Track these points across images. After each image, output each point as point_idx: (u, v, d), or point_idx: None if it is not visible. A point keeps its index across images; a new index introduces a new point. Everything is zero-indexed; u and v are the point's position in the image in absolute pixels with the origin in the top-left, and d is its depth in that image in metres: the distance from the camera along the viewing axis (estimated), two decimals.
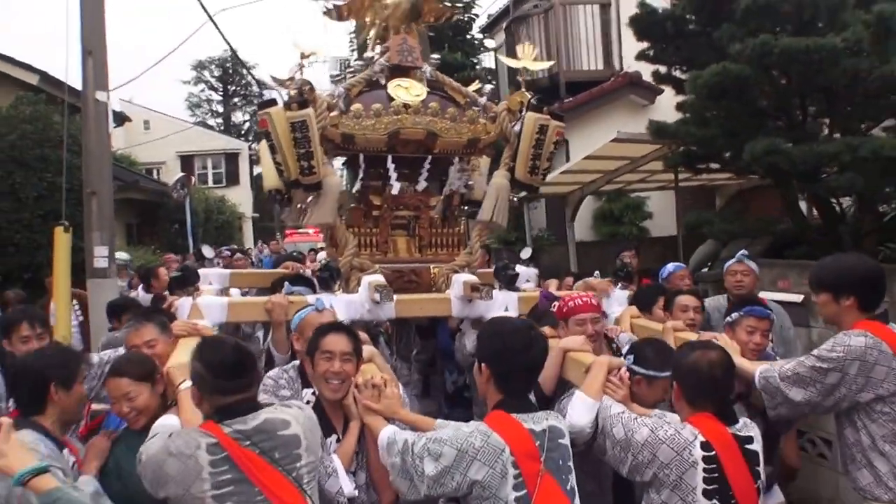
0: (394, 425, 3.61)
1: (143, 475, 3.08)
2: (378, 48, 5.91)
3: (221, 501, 2.93)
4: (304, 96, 5.15)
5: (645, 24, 9.91)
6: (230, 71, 53.46)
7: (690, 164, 10.24)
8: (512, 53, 13.19)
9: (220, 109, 57.34)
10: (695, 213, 11.49)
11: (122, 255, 10.60)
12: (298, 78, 5.26)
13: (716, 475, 3.27)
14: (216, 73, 55.84)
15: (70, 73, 10.62)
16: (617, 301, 5.80)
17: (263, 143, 5.51)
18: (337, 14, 5.91)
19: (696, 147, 9.58)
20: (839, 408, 3.91)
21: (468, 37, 20.51)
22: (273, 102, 5.21)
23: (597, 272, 6.95)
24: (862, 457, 3.84)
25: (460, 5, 19.84)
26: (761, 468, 3.41)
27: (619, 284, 6.60)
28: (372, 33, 6.03)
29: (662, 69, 10.67)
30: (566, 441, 3.35)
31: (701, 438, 3.30)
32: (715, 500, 3.27)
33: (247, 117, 56.73)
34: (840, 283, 3.97)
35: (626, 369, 3.84)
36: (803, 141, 8.46)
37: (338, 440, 3.83)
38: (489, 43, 20.84)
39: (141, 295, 8.35)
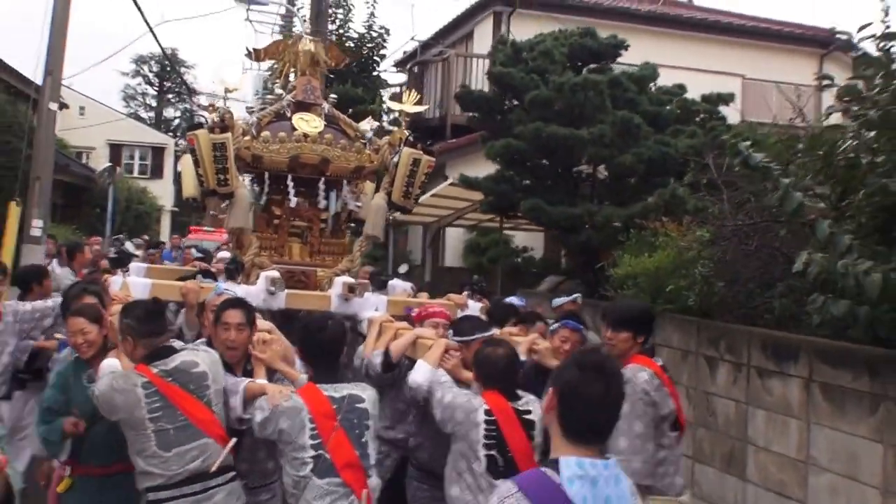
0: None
1: (100, 406, 4.19)
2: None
3: (155, 421, 4.09)
4: (224, 122, 6.23)
5: (465, 100, 12.94)
6: (168, 69, 53.38)
7: (495, 212, 12.97)
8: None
9: (154, 104, 57.56)
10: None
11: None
12: (221, 107, 6.33)
13: (493, 433, 4.32)
14: (154, 69, 56.06)
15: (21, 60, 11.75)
16: (472, 312, 6.50)
17: (187, 157, 6.55)
18: (255, 56, 7.00)
19: (495, 199, 12.08)
20: None
21: (374, 74, 21.27)
22: (200, 126, 6.27)
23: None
24: None
25: (370, 45, 20.82)
26: (536, 432, 4.48)
27: (475, 298, 7.65)
28: (282, 73, 7.08)
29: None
30: (364, 405, 4.33)
31: (485, 407, 4.37)
32: (493, 452, 4.31)
33: (178, 114, 57.13)
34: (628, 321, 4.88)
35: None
36: (577, 203, 10.88)
37: None
38: (394, 79, 21.97)
39: (55, 266, 9.23)
